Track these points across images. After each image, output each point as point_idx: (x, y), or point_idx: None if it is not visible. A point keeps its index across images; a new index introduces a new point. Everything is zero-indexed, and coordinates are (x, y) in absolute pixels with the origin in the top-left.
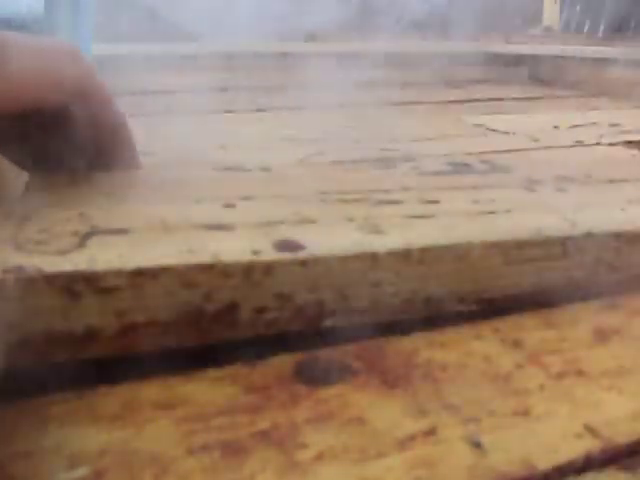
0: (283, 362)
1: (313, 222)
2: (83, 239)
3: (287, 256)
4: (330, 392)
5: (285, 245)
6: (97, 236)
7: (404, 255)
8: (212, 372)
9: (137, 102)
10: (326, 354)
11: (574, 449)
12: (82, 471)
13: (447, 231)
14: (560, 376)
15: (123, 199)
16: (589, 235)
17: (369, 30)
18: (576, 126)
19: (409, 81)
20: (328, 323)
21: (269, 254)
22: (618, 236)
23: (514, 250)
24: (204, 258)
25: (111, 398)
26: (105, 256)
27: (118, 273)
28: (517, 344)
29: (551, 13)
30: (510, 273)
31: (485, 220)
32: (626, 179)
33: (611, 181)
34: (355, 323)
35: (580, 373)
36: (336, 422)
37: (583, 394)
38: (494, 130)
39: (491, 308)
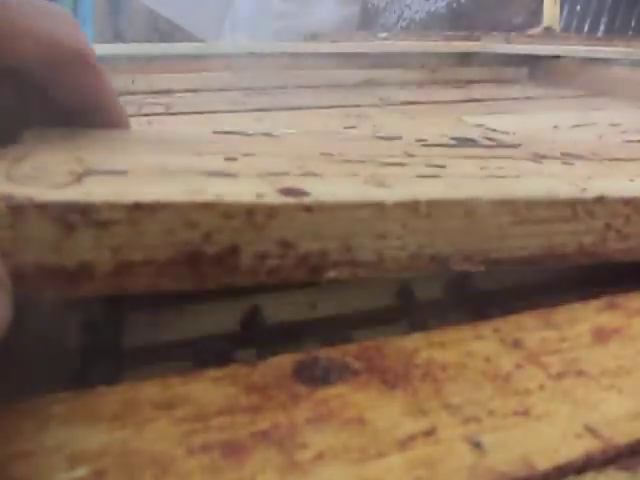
0: (283, 362)
1: (318, 175)
2: (79, 177)
3: (291, 201)
4: (330, 392)
5: (289, 191)
6: (94, 176)
7: (411, 207)
8: (212, 372)
9: (137, 102)
10: (326, 354)
11: (574, 449)
12: (82, 471)
13: (455, 188)
14: (560, 376)
15: (122, 149)
16: (600, 199)
17: (370, 29)
18: (576, 126)
19: (409, 81)
20: (332, 274)
21: (273, 198)
22: (628, 203)
23: (523, 209)
24: (205, 197)
25: (111, 398)
26: (102, 190)
27: (115, 206)
28: (517, 344)
29: (551, 13)
30: (518, 234)
31: (494, 181)
32: (632, 158)
33: (617, 159)
34: (359, 277)
35: (580, 373)
36: (336, 422)
37: (583, 394)
38: (494, 130)
39: (498, 269)
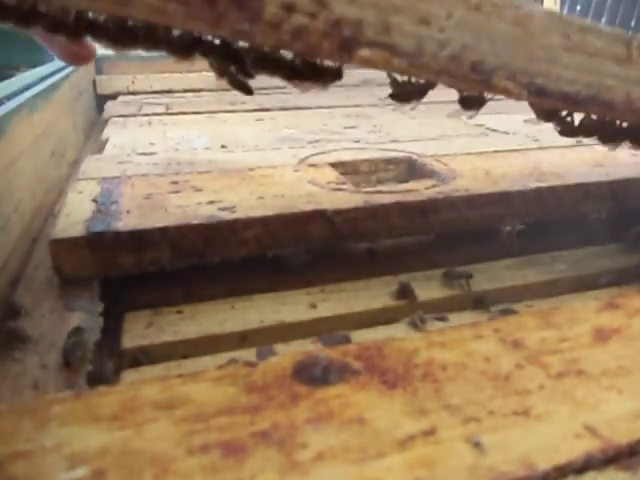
0: (283, 362)
1: None
2: None
3: None
4: (330, 392)
5: None
6: None
7: None
8: (212, 372)
9: (137, 102)
10: (326, 354)
11: (574, 449)
12: (82, 471)
13: None
14: (560, 376)
15: None
16: None
17: None
18: None
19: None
20: (365, 54)
21: None
22: None
23: (576, 34)
24: None
25: (111, 398)
26: None
27: None
28: (517, 344)
29: None
30: (568, 62)
31: None
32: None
33: None
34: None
35: (580, 373)
36: (336, 422)
37: (583, 394)
38: (494, 130)
39: (540, 97)
